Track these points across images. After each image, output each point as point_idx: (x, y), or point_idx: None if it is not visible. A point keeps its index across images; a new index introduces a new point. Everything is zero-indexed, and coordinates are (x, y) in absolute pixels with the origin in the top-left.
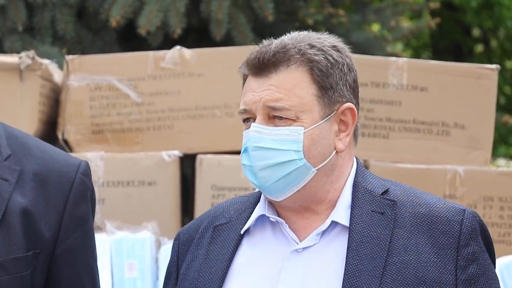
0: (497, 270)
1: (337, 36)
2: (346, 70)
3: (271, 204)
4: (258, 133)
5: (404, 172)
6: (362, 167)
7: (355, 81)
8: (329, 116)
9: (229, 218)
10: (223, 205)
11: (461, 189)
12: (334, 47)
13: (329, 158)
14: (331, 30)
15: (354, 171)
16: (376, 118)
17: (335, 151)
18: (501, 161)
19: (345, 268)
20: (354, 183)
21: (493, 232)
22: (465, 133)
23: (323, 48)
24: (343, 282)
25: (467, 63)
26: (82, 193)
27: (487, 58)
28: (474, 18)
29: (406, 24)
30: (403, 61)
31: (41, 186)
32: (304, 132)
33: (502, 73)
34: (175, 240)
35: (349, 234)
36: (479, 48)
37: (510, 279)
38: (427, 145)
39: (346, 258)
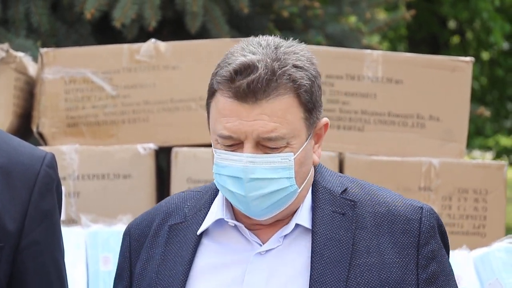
0: (472, 263)
1: (313, 28)
2: (320, 83)
3: (229, 205)
4: (252, 163)
5: (379, 164)
6: (319, 164)
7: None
8: (310, 135)
9: (183, 217)
10: (175, 201)
11: (436, 181)
12: (309, 60)
13: (310, 174)
14: (307, 22)
15: (313, 169)
16: (351, 111)
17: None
18: (477, 153)
19: (310, 273)
20: (313, 182)
21: (468, 224)
22: (440, 125)
23: (304, 66)
24: (309, 287)
25: (441, 56)
26: (47, 186)
27: (463, 49)
28: (450, 10)
29: (381, 16)
30: (378, 53)
31: (5, 178)
32: (294, 158)
33: (478, 64)
34: (125, 235)
35: (312, 237)
36: (455, 39)
37: (485, 271)
38: (402, 138)
39: (311, 262)
